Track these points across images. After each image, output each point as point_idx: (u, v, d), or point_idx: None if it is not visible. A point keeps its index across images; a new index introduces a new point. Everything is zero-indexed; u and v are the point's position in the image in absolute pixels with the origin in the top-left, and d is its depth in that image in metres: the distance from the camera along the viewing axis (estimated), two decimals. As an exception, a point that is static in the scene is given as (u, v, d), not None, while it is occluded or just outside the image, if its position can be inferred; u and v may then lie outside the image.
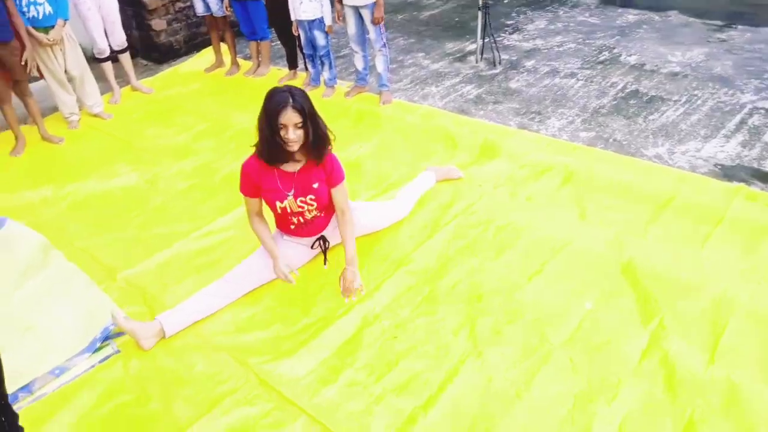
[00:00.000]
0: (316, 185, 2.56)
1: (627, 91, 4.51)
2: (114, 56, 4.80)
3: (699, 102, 4.25)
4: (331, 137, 2.53)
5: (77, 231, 3.30)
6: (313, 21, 4.38)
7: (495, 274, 2.78)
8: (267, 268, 2.71)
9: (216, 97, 4.89)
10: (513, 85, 4.76)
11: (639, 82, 4.63)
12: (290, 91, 2.35)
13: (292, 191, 2.55)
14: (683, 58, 5.00)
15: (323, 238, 2.82)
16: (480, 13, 5.02)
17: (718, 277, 2.64)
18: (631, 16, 6.14)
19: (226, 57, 5.37)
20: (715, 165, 3.50)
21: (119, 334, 2.55)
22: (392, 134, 4.13)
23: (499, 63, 5.14)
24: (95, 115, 4.58)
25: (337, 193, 2.63)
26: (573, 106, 4.33)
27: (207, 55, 5.59)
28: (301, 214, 2.63)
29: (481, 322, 2.50)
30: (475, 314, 2.55)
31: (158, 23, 5.53)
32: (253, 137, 2.51)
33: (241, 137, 4.08)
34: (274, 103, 2.33)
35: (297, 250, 2.81)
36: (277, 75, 5.18)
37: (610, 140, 3.86)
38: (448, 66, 5.23)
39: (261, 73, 5.19)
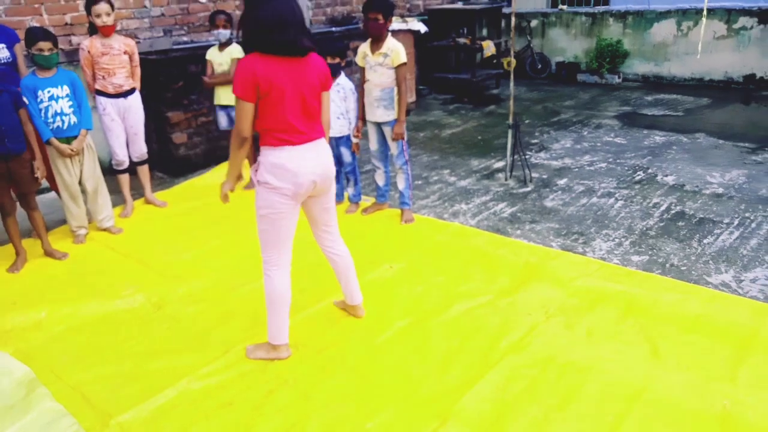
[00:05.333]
0: None
1: (672, 212, 4.23)
2: (132, 168, 4.63)
3: (754, 225, 3.94)
4: None
5: (69, 362, 2.85)
6: (341, 138, 4.22)
7: (564, 429, 2.29)
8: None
9: (231, 211, 4.60)
10: (548, 203, 4.50)
11: (683, 203, 4.36)
12: None
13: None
14: (723, 180, 4.77)
15: None
16: (510, 131, 4.89)
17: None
18: (657, 137, 6.04)
19: (246, 171, 5.19)
20: (795, 296, 3.11)
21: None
22: (422, 254, 3.79)
23: (530, 181, 4.93)
24: (104, 230, 4.29)
25: None
26: (618, 227, 4.03)
27: (225, 168, 5.40)
28: None
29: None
30: (549, 485, 2.05)
31: (179, 137, 5.43)
32: None
33: (258, 255, 3.74)
34: None
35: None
36: (298, 190, 4.96)
37: (667, 265, 3.50)
38: (476, 183, 5.02)
39: (281, 187, 4.98)
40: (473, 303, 3.19)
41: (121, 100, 4.33)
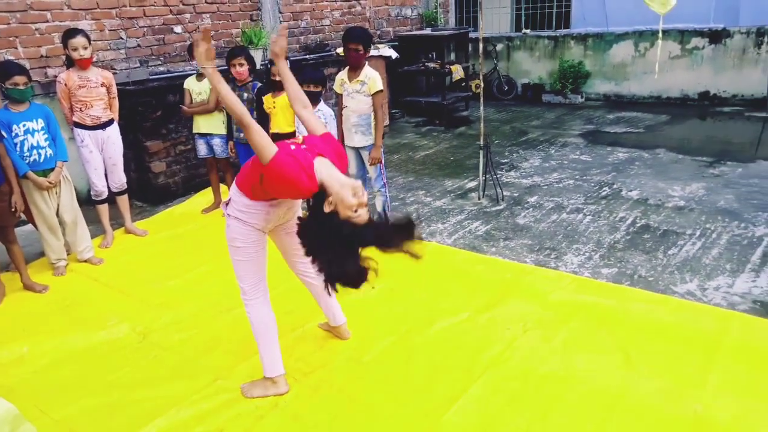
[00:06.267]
0: None
1: (638, 225, 4.43)
2: (111, 198, 4.63)
3: (714, 236, 4.16)
4: None
5: (54, 396, 2.85)
6: (319, 162, 4.33)
7: (547, 437, 2.40)
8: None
9: (213, 237, 4.66)
10: (521, 221, 4.66)
11: (647, 217, 4.57)
12: None
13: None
14: (684, 193, 5.02)
15: None
16: (481, 152, 5.06)
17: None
18: (621, 153, 6.31)
19: (225, 197, 5.24)
20: (754, 302, 3.30)
21: None
22: (403, 274, 3.87)
23: (502, 199, 5.09)
24: (85, 261, 4.28)
25: None
26: (587, 242, 4.20)
27: (205, 195, 5.46)
28: None
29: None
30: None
31: (157, 165, 5.46)
32: None
33: (242, 281, 3.80)
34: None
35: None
36: (277, 215, 5.03)
37: (635, 276, 3.67)
38: (450, 203, 5.16)
39: (260, 213, 5.04)
40: (454, 319, 3.30)
41: (99, 131, 4.36)
